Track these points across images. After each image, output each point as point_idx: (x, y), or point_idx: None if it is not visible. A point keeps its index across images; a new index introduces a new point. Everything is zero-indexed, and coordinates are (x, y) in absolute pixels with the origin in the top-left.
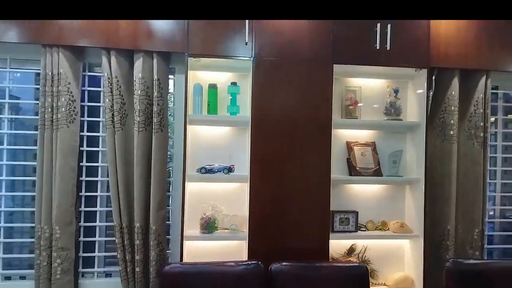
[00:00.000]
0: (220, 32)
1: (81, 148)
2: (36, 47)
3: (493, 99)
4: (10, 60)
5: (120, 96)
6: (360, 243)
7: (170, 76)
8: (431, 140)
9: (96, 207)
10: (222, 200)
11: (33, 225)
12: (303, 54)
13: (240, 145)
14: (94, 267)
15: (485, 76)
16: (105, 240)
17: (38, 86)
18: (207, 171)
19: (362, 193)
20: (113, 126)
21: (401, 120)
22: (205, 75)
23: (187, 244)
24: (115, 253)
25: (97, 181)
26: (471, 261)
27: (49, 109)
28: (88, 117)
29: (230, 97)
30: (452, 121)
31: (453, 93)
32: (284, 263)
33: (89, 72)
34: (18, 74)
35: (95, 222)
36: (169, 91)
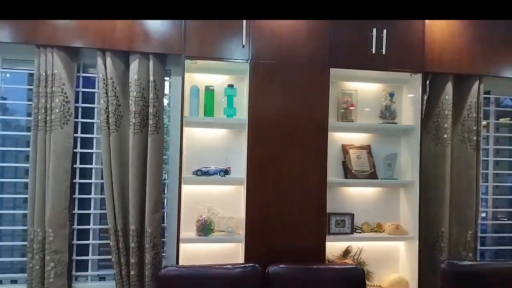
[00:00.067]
0: (217, 35)
1: (74, 150)
2: (29, 47)
3: (485, 104)
4: (2, 60)
5: (115, 98)
6: (355, 245)
7: (165, 78)
8: (425, 144)
9: (89, 209)
10: (218, 203)
11: (25, 227)
12: (300, 57)
13: (237, 148)
14: (87, 271)
15: (478, 81)
16: (99, 243)
17: (31, 87)
18: (203, 173)
19: (358, 195)
20: (108, 128)
21: (396, 123)
22: (201, 77)
23: (182, 246)
24: (109, 256)
25: (91, 183)
26: (466, 263)
27: (43, 110)
28: (81, 118)
29: (227, 99)
30: (446, 125)
31: (447, 97)
32: (281, 266)
33: (83, 73)
34: (8, 75)
35: (89, 224)
36: (165, 93)
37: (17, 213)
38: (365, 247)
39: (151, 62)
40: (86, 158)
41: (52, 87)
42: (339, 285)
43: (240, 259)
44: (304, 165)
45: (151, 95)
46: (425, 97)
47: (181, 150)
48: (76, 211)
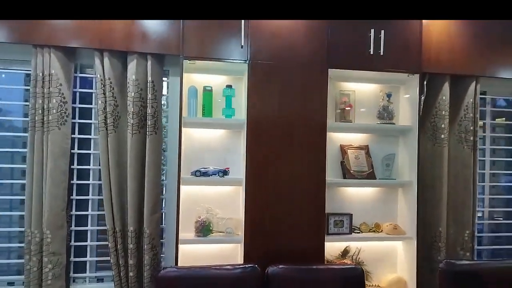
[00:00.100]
0: (216, 35)
1: (72, 151)
2: (25, 47)
3: (481, 104)
4: None
5: (113, 98)
6: (353, 245)
7: (163, 79)
8: (423, 144)
9: (86, 210)
10: (217, 203)
11: (22, 229)
12: (298, 58)
13: (235, 148)
14: (85, 272)
15: (474, 81)
16: (97, 245)
17: (27, 87)
18: (202, 174)
19: (356, 195)
20: (106, 129)
21: (394, 124)
22: (199, 77)
23: (181, 247)
24: (106, 258)
25: (88, 184)
26: (464, 262)
27: (40, 111)
28: (79, 119)
29: (225, 100)
30: (443, 125)
31: (444, 98)
32: (280, 266)
33: (80, 73)
34: (3, 75)
35: (86, 226)
36: (163, 93)
37: (13, 214)
38: (363, 247)
39: (149, 63)
40: (83, 159)
41: (49, 88)
42: (339, 285)
43: (239, 259)
44: (303, 166)
45: (149, 96)
46: (423, 97)
47: (179, 150)
48: (73, 212)
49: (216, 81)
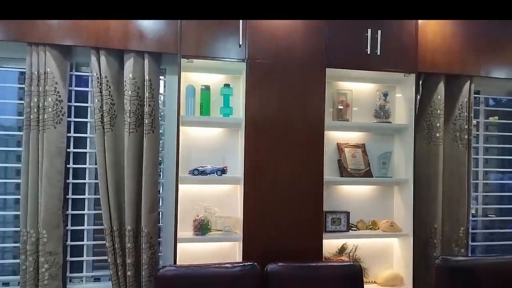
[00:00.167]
0: (213, 34)
1: (67, 150)
2: (19, 45)
3: (475, 103)
4: None
5: (110, 97)
6: (351, 242)
7: (161, 77)
8: (418, 142)
9: (83, 209)
10: (215, 202)
11: (17, 229)
12: (296, 57)
13: (233, 147)
14: (82, 272)
15: (469, 81)
16: (93, 244)
17: (22, 86)
18: (199, 173)
19: (353, 193)
20: (103, 127)
21: (390, 122)
22: (197, 76)
23: (179, 246)
24: (103, 257)
25: (84, 183)
26: (460, 258)
27: (35, 109)
28: (74, 117)
29: (223, 99)
30: (438, 124)
31: (439, 97)
32: (279, 264)
33: (76, 71)
34: None
35: (83, 225)
36: (160, 92)
37: (7, 214)
38: (360, 244)
39: (146, 61)
40: (79, 158)
41: (44, 86)
42: (337, 282)
43: (237, 258)
44: (301, 164)
45: (146, 94)
46: (418, 96)
47: (177, 149)
48: (69, 211)
49: (214, 80)
